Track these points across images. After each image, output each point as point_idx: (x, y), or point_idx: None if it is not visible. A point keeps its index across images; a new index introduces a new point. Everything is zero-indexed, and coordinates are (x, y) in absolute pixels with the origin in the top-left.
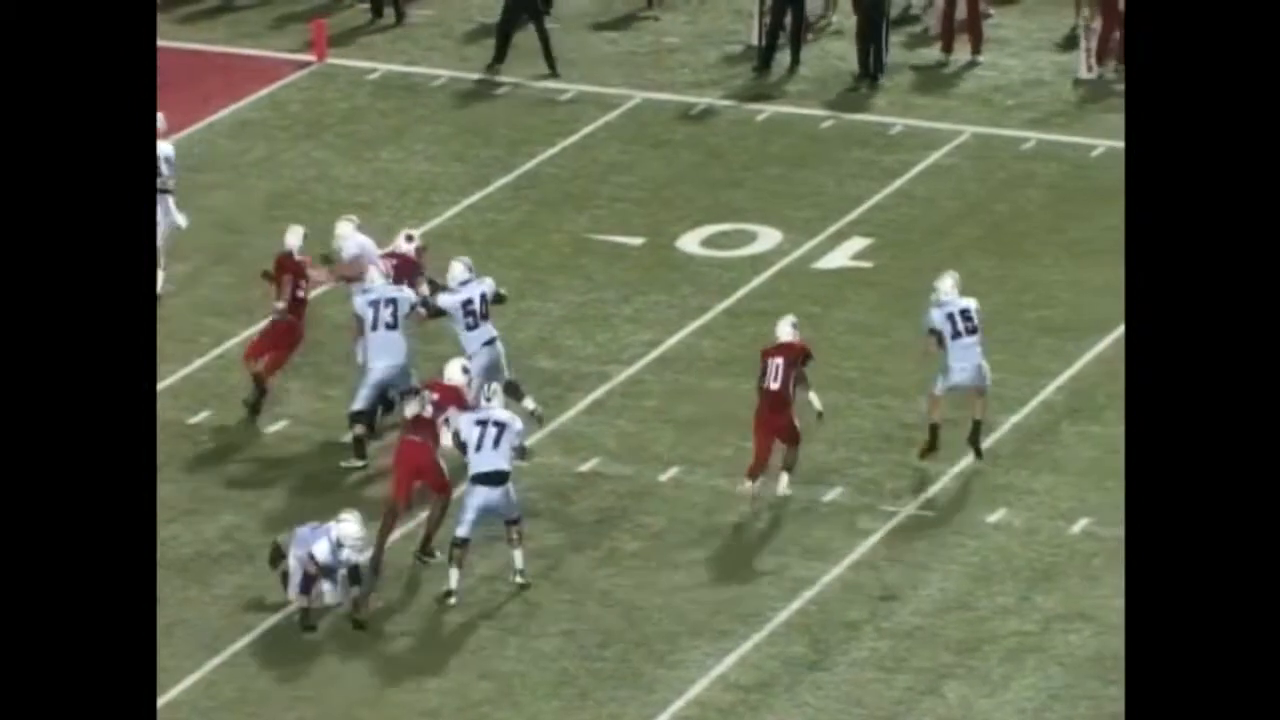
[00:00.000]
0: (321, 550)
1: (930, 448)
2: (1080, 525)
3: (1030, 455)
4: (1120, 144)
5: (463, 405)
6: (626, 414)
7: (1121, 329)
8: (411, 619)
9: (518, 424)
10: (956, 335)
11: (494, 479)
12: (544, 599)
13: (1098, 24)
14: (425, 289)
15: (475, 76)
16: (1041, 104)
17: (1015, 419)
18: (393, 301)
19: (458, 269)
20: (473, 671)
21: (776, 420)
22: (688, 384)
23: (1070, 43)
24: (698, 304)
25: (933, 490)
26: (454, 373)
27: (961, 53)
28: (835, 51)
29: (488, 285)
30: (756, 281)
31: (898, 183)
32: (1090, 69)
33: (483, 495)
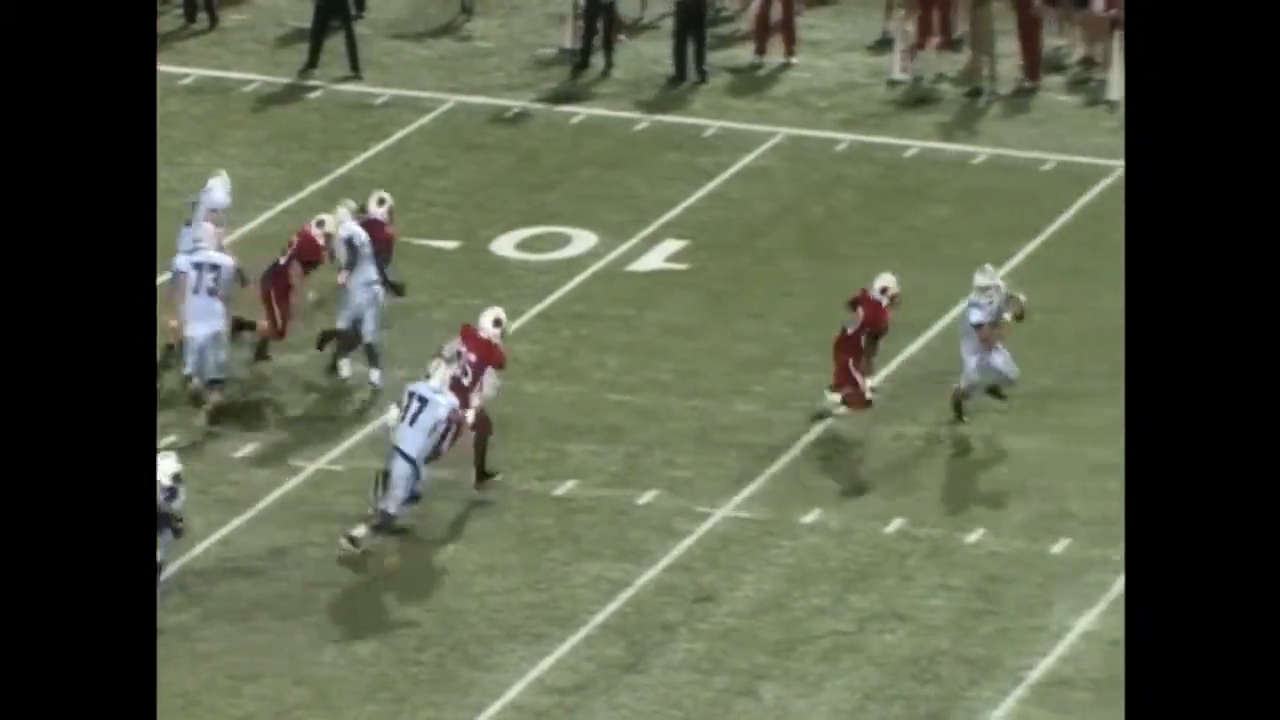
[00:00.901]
0: None
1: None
2: (895, 525)
3: (845, 456)
4: (932, 144)
5: (493, 357)
6: None
7: (931, 331)
8: (227, 624)
9: (441, 404)
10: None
11: (404, 454)
12: (360, 603)
13: (911, 26)
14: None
15: (288, 81)
16: (854, 105)
17: (829, 420)
18: (216, 268)
19: (343, 211)
20: (288, 676)
21: (842, 357)
22: (503, 387)
23: (883, 44)
24: (512, 307)
25: (748, 491)
26: (486, 323)
27: (775, 54)
28: (648, 54)
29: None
30: (571, 284)
31: (712, 185)
32: (903, 70)
33: (400, 467)
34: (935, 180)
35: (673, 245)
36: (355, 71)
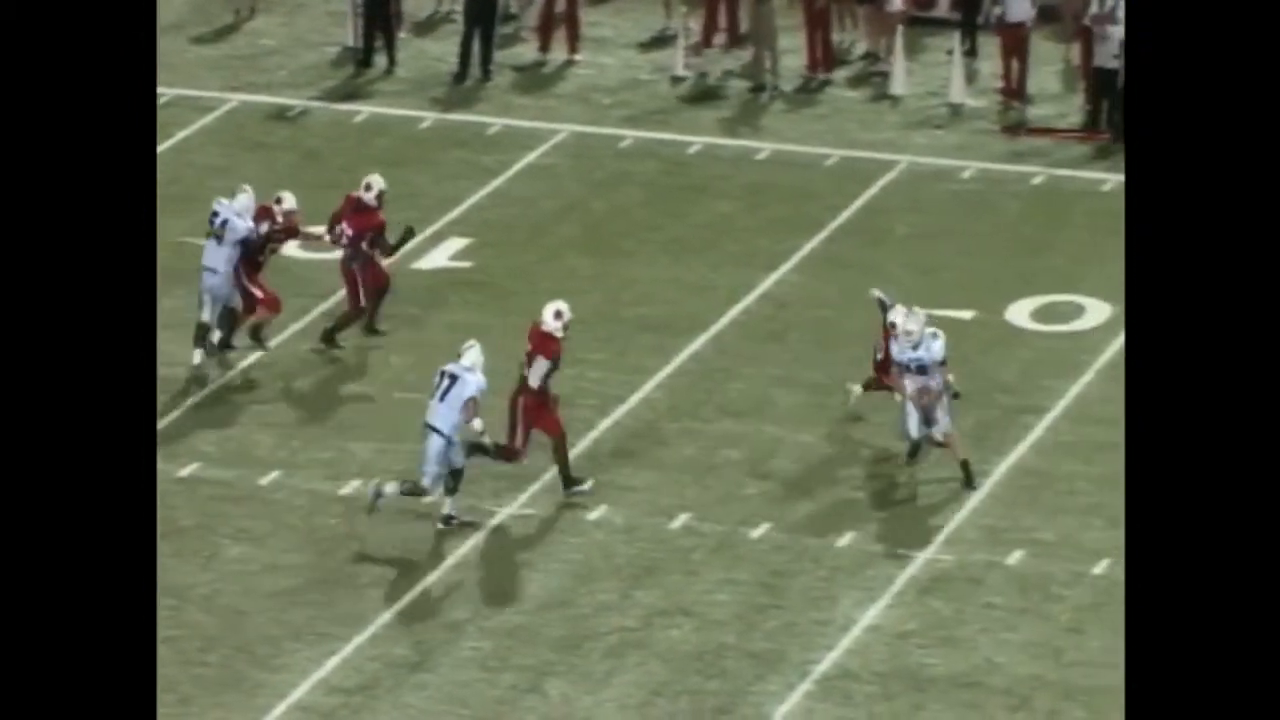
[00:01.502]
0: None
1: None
2: (680, 521)
3: (630, 452)
4: (715, 140)
5: (549, 351)
6: (227, 417)
7: (715, 327)
8: None
9: (471, 383)
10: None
11: (435, 430)
12: None
13: (694, 22)
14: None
15: None
16: (638, 102)
17: (615, 416)
18: None
19: (243, 198)
20: None
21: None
22: (288, 387)
23: (664, 41)
24: (298, 306)
25: (534, 489)
26: (547, 316)
27: (559, 52)
28: (432, 52)
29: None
30: None
31: (496, 182)
32: (686, 67)
33: (433, 442)
34: (719, 176)
35: (457, 243)
36: None
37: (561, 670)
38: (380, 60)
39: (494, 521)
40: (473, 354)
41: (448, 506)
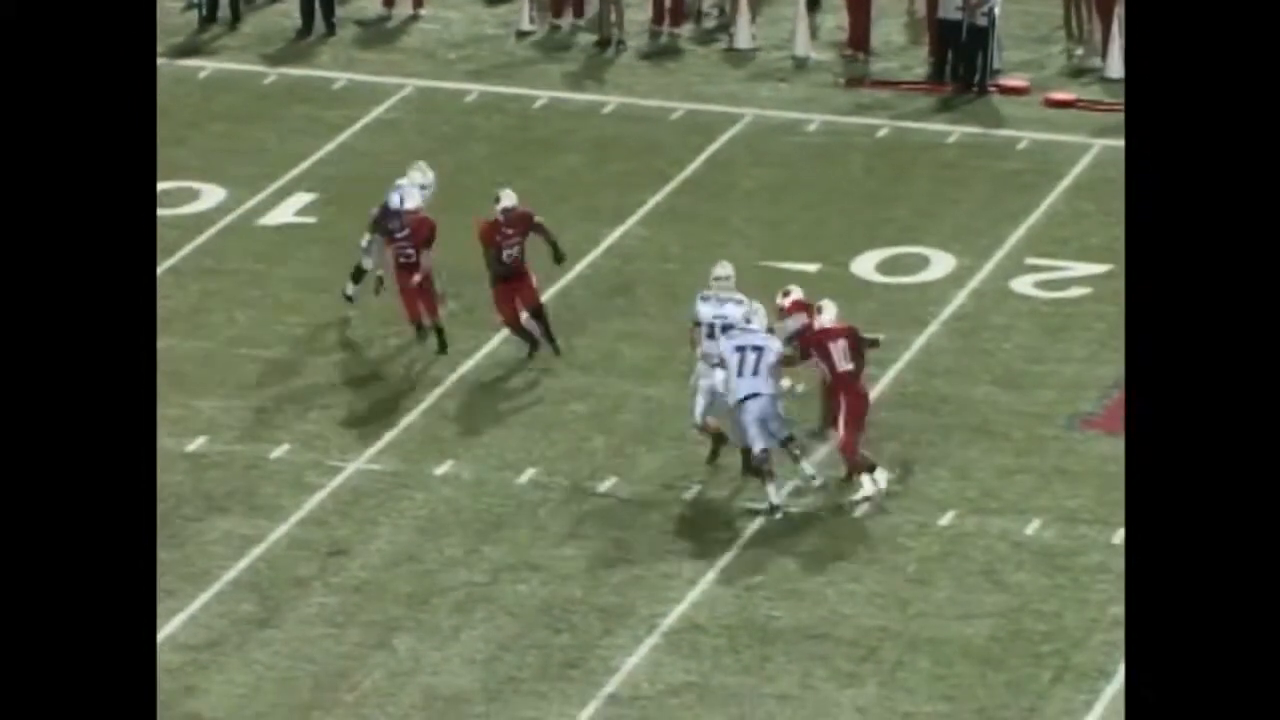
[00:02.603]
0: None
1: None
2: (527, 475)
3: (478, 407)
4: (561, 94)
5: (823, 344)
6: None
7: (564, 280)
8: None
9: (775, 345)
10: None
11: (756, 395)
12: None
13: None
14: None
15: None
16: (484, 57)
17: (462, 371)
18: None
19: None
20: None
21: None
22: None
23: None
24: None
25: (380, 444)
26: (827, 317)
27: (404, 6)
28: (276, 7)
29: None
30: (200, 239)
31: (341, 138)
32: (532, 20)
33: (754, 409)
34: (565, 130)
35: (302, 199)
36: None
37: (409, 626)
38: (224, 16)
39: (341, 477)
40: (758, 319)
41: (807, 467)
